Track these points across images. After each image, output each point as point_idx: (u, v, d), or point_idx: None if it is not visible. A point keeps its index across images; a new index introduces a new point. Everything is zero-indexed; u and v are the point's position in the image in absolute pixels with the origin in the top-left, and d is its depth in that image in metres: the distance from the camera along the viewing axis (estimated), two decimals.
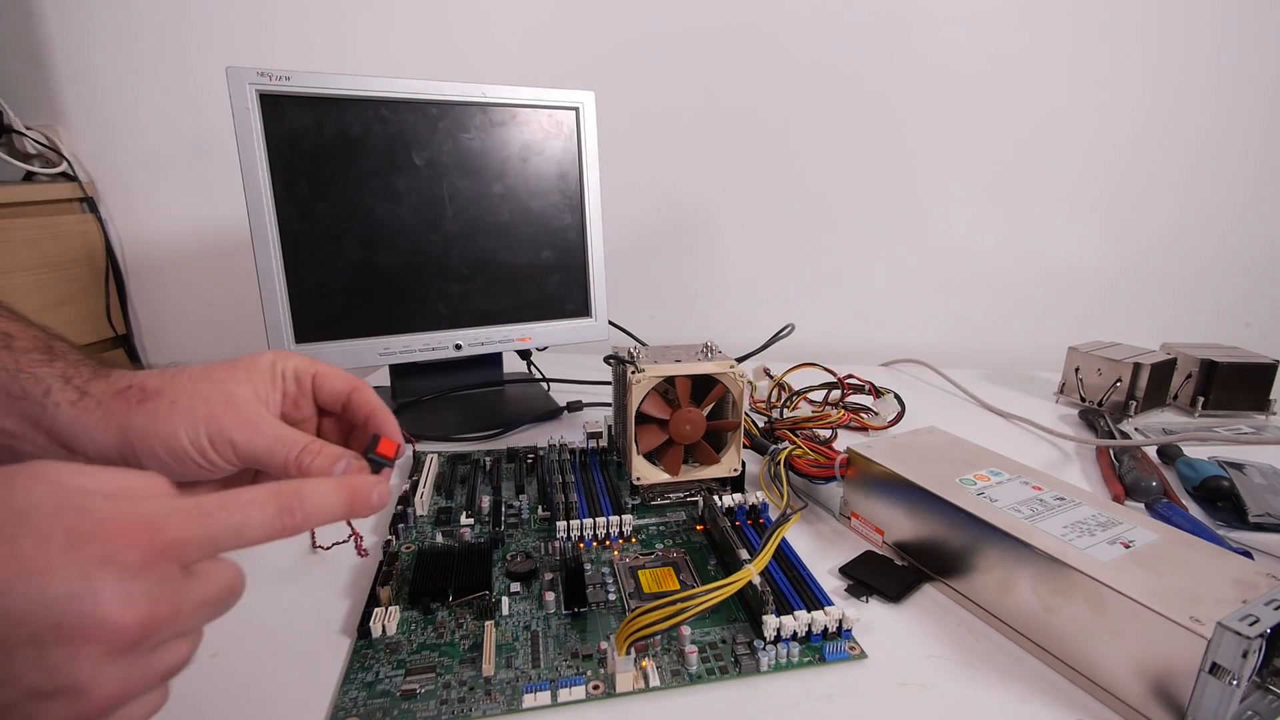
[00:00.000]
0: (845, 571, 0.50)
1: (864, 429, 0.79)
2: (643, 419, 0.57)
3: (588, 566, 0.49)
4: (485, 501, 0.59)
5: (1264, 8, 0.95)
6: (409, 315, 0.76)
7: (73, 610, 0.21)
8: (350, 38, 1.04)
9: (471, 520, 0.56)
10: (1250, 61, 0.97)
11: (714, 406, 0.59)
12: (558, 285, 0.82)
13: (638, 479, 0.58)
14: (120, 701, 0.23)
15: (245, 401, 0.35)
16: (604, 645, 0.41)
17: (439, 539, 0.53)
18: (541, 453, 0.67)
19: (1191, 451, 0.69)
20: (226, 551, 0.27)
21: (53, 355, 0.34)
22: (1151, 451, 0.70)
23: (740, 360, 0.73)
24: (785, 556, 0.49)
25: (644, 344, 0.81)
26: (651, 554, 0.52)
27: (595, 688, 0.38)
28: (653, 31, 1.03)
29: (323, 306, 0.71)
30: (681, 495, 0.60)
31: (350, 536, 0.52)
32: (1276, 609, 0.33)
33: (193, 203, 1.12)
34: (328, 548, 0.52)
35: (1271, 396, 0.84)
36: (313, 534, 0.53)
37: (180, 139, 1.09)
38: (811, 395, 0.85)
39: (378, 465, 0.37)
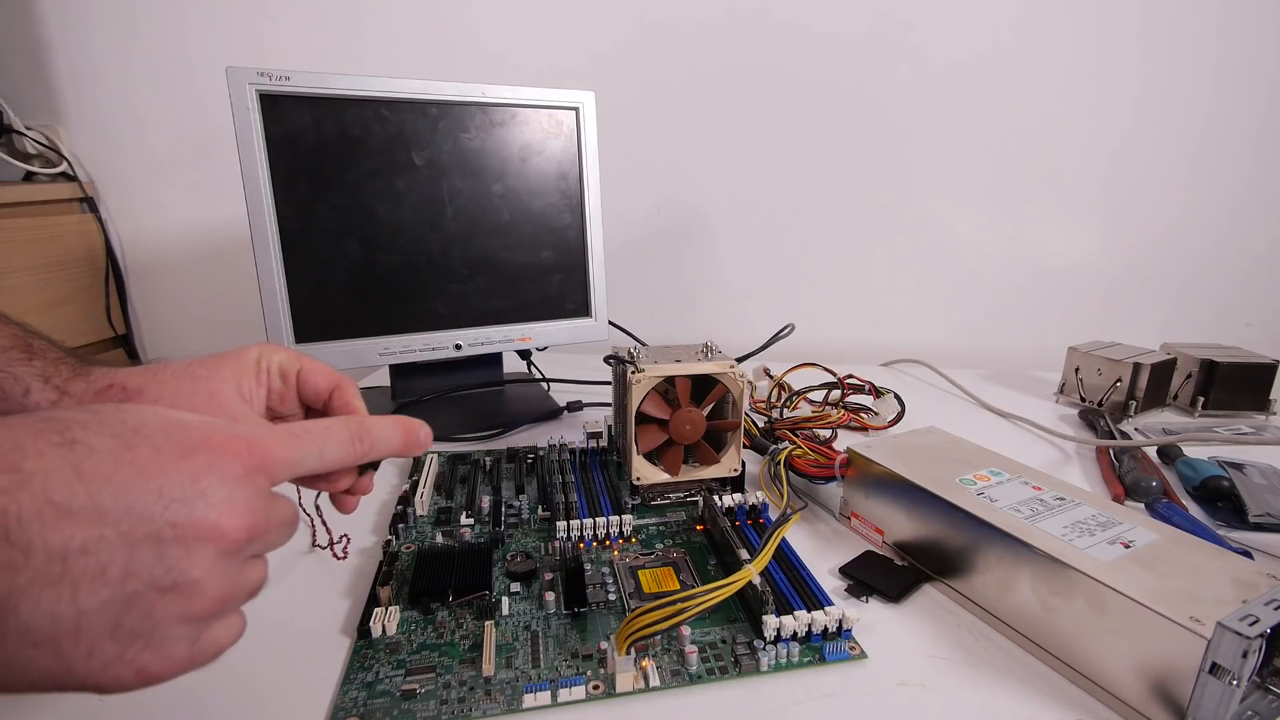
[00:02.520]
0: (845, 571, 0.50)
1: (864, 429, 0.79)
2: (643, 419, 0.57)
3: (588, 566, 0.49)
4: (485, 501, 0.59)
5: (1261, 7, 0.95)
6: (409, 315, 0.76)
7: (185, 512, 0.23)
8: (350, 38, 1.04)
9: (471, 520, 0.56)
10: (1248, 60, 0.97)
11: (714, 406, 0.59)
12: (558, 285, 0.82)
13: (638, 479, 0.58)
14: (225, 604, 0.25)
15: (229, 400, 0.35)
16: (604, 645, 0.41)
17: (439, 539, 0.53)
18: (541, 453, 0.67)
19: (1191, 451, 0.69)
20: (307, 472, 0.29)
21: (32, 354, 0.34)
22: (1151, 451, 0.70)
23: (740, 360, 0.73)
24: (785, 556, 0.49)
25: (644, 344, 0.81)
26: (651, 554, 0.52)
27: (595, 688, 0.38)
28: (653, 32, 1.03)
29: (323, 306, 0.71)
30: (681, 495, 0.60)
31: (338, 541, 0.52)
32: (1276, 609, 0.33)
33: (193, 203, 1.12)
34: (324, 547, 0.52)
35: (1271, 396, 0.84)
36: (313, 534, 0.53)
37: (180, 139, 1.09)
38: (811, 395, 0.85)
39: (361, 468, 0.37)
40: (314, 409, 0.40)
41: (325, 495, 0.39)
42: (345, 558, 0.51)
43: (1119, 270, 1.08)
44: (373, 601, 0.44)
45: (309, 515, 0.53)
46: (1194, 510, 0.60)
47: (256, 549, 0.27)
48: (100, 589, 0.22)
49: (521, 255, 0.80)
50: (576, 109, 0.79)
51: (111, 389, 0.34)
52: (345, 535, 0.52)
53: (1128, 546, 0.41)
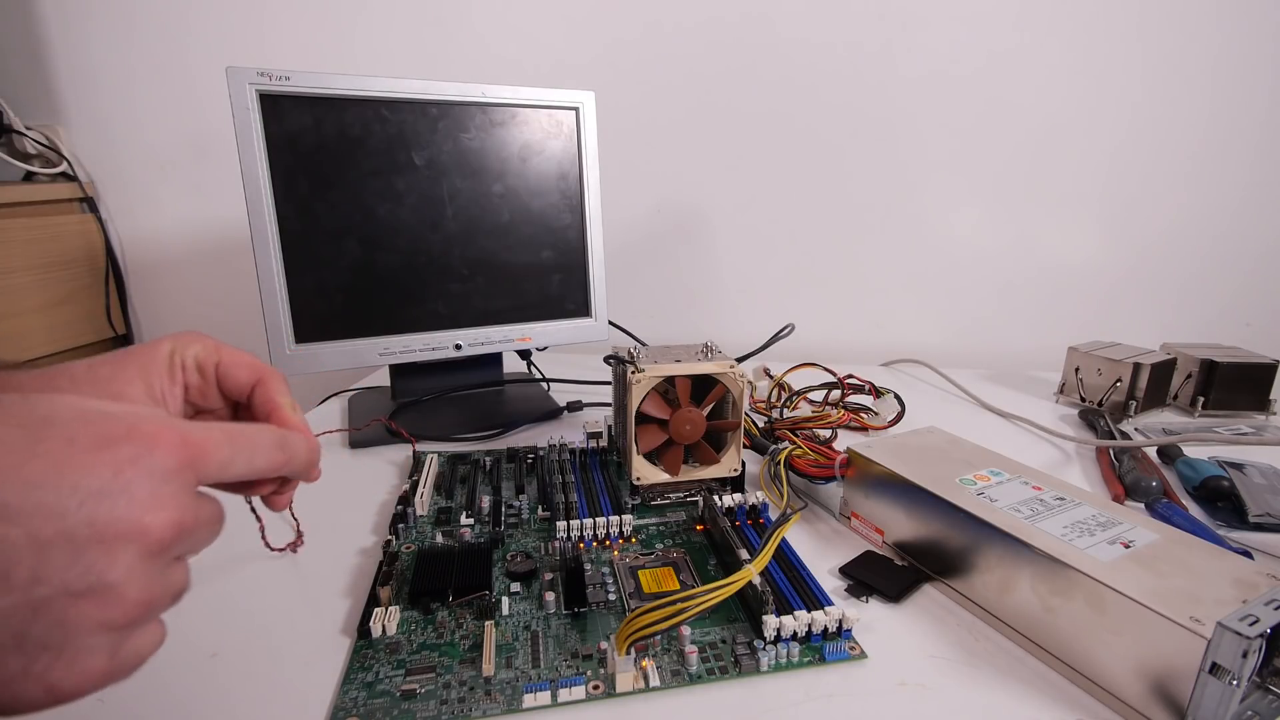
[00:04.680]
0: (845, 571, 0.50)
1: (864, 429, 0.79)
2: (643, 419, 0.57)
3: (588, 566, 0.49)
4: (485, 501, 0.59)
5: (1262, 7, 0.95)
6: (409, 315, 0.76)
7: (105, 508, 0.21)
8: (350, 38, 1.04)
9: (471, 520, 0.56)
10: (1248, 60, 0.97)
11: (714, 406, 0.59)
12: (558, 285, 0.82)
13: (638, 479, 0.58)
14: (147, 610, 0.23)
15: (137, 403, 0.32)
16: (604, 645, 0.41)
17: (439, 539, 0.53)
18: (541, 453, 0.67)
19: (1191, 451, 0.69)
20: (235, 477, 0.27)
21: None
22: (1151, 451, 0.70)
23: (740, 360, 0.73)
24: (785, 556, 0.49)
25: (644, 344, 0.81)
26: (651, 554, 0.52)
27: (595, 688, 0.38)
28: (654, 32, 1.03)
29: (323, 306, 0.71)
30: (681, 495, 0.60)
31: (290, 543, 0.53)
32: (1276, 609, 0.33)
33: (193, 203, 1.12)
34: (279, 550, 0.52)
35: (1271, 396, 0.84)
36: (299, 536, 0.53)
37: (180, 139, 1.09)
38: (811, 395, 0.85)
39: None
40: (240, 404, 0.36)
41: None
42: (284, 551, 0.51)
43: (1119, 270, 1.08)
44: (373, 601, 0.44)
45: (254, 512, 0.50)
46: (1194, 510, 0.60)
47: (181, 550, 0.24)
48: (3, 594, 0.20)
49: (521, 255, 0.80)
50: (576, 109, 0.79)
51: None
52: (300, 533, 0.53)
53: (1128, 546, 0.41)
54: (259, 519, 0.49)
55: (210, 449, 0.25)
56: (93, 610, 0.21)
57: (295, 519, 0.54)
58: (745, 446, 0.62)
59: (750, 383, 0.87)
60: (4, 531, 0.20)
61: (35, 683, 0.21)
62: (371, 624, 0.42)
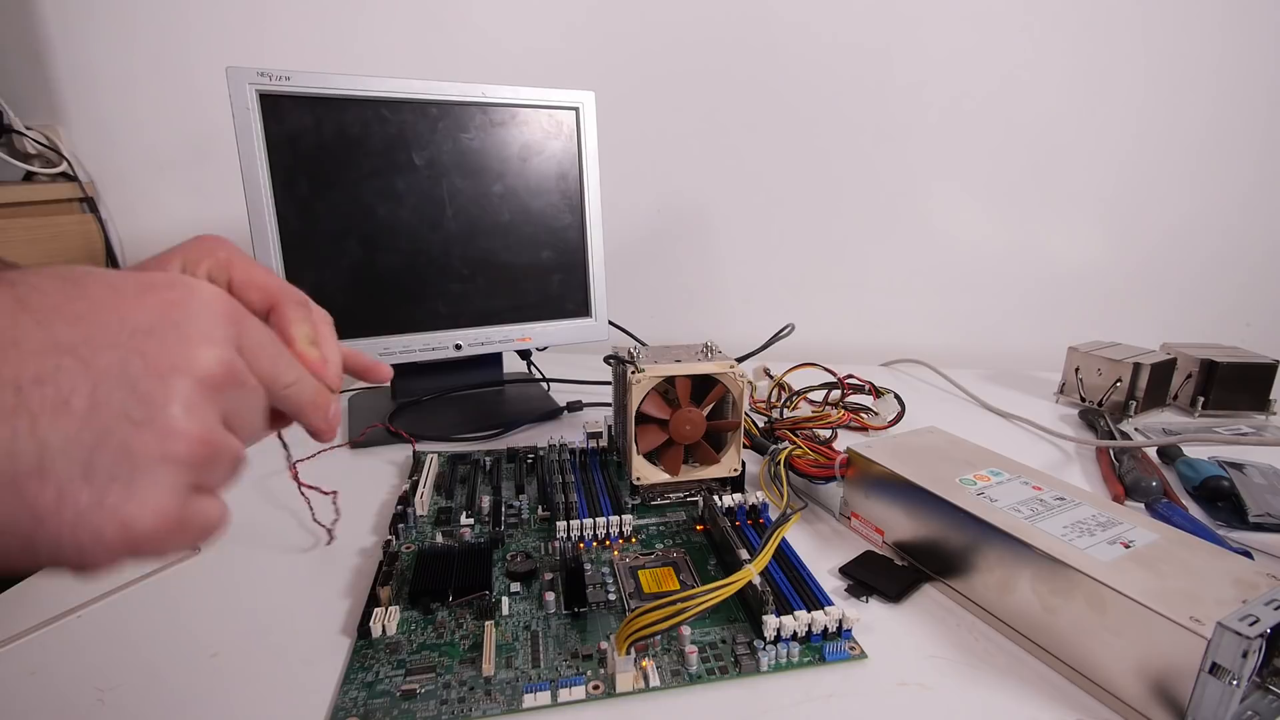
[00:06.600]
0: (845, 571, 0.50)
1: (864, 429, 0.79)
2: (643, 419, 0.57)
3: (588, 566, 0.49)
4: (485, 501, 0.59)
5: (1264, 9, 0.95)
6: (409, 315, 0.76)
7: (155, 342, 0.21)
8: (350, 38, 1.04)
9: (471, 520, 0.56)
10: (1251, 63, 0.97)
11: (714, 406, 0.59)
12: (558, 285, 0.82)
13: (638, 479, 0.58)
14: (209, 453, 0.22)
15: None
16: (604, 645, 0.41)
17: (439, 539, 0.53)
18: (541, 453, 0.67)
19: (1191, 451, 0.69)
20: (264, 365, 0.26)
21: None
22: (1151, 452, 0.70)
23: (740, 360, 0.73)
24: (785, 556, 0.49)
25: (644, 344, 0.81)
26: (651, 554, 0.52)
27: (595, 688, 0.38)
28: (654, 32, 1.03)
29: (322, 306, 0.71)
30: (681, 495, 0.60)
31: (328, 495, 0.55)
32: (1276, 609, 0.33)
33: (193, 203, 1.12)
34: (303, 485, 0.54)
35: (1271, 396, 0.84)
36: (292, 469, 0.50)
37: (180, 139, 1.09)
38: (811, 395, 0.85)
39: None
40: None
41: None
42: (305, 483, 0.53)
43: (1121, 271, 1.08)
44: (373, 601, 0.44)
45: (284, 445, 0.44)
46: (1194, 510, 0.60)
47: (232, 401, 0.24)
48: (64, 422, 0.20)
49: (521, 255, 0.80)
50: (576, 109, 0.79)
51: None
52: (335, 491, 0.56)
53: (1128, 546, 0.41)
54: (284, 444, 0.42)
55: (250, 317, 0.25)
56: (154, 441, 0.21)
57: (335, 508, 0.55)
58: (745, 446, 0.62)
59: (750, 383, 0.87)
60: (58, 360, 0.20)
61: (107, 516, 0.20)
62: (371, 624, 0.42)
